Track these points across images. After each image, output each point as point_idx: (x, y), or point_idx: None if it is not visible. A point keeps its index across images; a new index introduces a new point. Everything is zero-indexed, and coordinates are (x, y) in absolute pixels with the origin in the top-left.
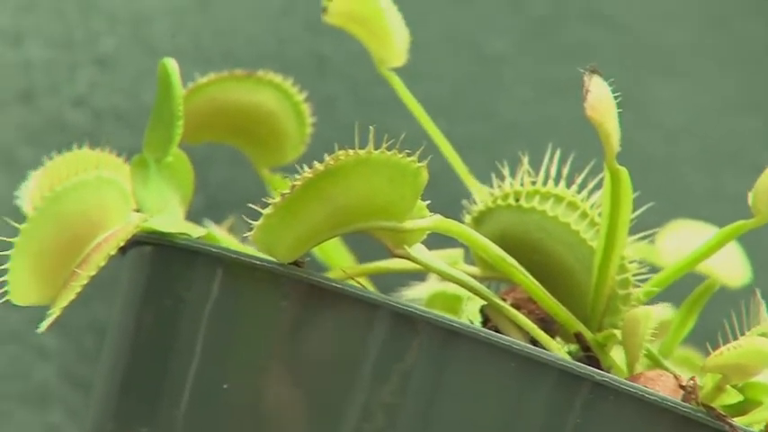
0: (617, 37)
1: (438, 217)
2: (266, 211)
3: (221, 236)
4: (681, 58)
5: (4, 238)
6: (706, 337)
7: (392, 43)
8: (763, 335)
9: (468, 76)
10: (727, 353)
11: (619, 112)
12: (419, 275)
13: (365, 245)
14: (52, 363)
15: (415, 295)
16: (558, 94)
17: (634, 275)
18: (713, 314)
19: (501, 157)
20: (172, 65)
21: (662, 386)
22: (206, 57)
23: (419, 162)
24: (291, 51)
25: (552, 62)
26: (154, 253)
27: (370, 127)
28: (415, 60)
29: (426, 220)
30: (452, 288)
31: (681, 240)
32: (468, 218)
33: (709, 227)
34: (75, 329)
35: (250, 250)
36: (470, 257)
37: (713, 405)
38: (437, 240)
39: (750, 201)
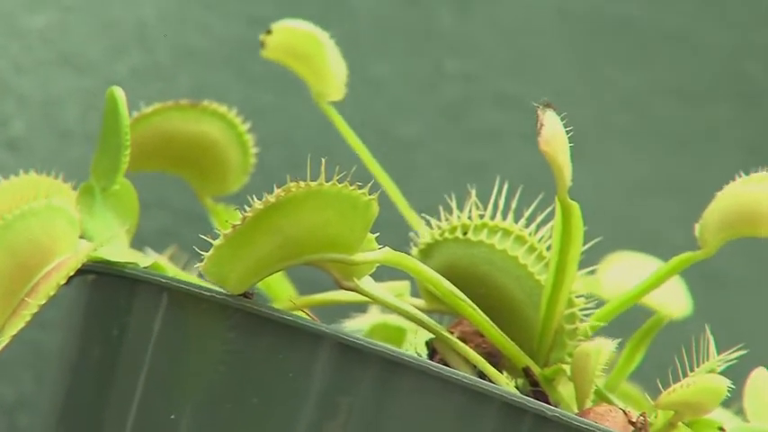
0: (528, 119)
1: (387, 250)
2: (216, 242)
3: (167, 266)
4: (590, 139)
5: None
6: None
7: (331, 77)
8: (711, 371)
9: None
10: (680, 390)
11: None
12: (360, 306)
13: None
14: None
15: (356, 326)
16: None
17: (581, 310)
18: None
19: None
20: (119, 93)
21: (612, 422)
22: None
23: (369, 195)
24: None
25: (463, 145)
26: (99, 282)
27: (322, 159)
28: (328, 144)
29: (375, 252)
30: (394, 320)
31: (622, 272)
32: (414, 250)
33: (650, 259)
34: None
35: (196, 280)
36: (416, 290)
37: None
38: (383, 272)
39: (697, 232)
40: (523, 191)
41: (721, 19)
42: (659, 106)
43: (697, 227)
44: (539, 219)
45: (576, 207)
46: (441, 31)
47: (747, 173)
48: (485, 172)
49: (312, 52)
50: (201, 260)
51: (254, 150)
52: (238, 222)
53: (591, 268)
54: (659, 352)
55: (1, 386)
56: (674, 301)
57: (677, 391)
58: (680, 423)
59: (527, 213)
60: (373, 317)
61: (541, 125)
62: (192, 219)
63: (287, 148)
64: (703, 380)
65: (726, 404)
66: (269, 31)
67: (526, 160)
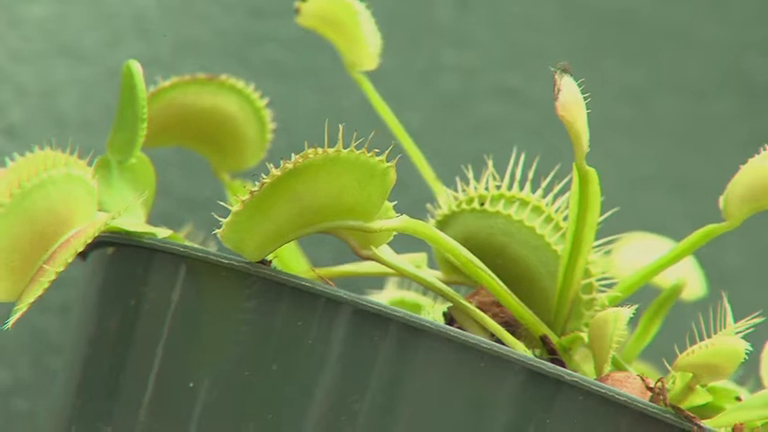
0: (527, 112)
1: (405, 217)
2: (234, 209)
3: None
4: (591, 133)
5: None
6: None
7: (365, 47)
8: None
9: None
10: (699, 351)
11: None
12: (376, 283)
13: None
14: None
15: None
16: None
17: (597, 280)
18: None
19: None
20: (136, 67)
21: (630, 387)
22: None
23: (387, 162)
24: None
25: (463, 137)
26: (116, 254)
27: (340, 126)
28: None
29: (393, 220)
30: (411, 296)
31: (636, 252)
32: (432, 221)
33: (663, 239)
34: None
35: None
36: (432, 263)
37: (681, 406)
38: (400, 246)
39: (721, 205)
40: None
41: (724, 14)
42: (661, 101)
43: (721, 199)
44: (555, 189)
45: (593, 173)
46: (440, 24)
47: None
48: (482, 164)
49: (346, 20)
50: (219, 226)
51: (271, 126)
52: (256, 189)
53: (604, 239)
54: (663, 340)
55: None
56: (689, 279)
57: (696, 353)
58: (698, 386)
59: (544, 184)
60: (390, 293)
61: (558, 90)
62: (194, 205)
63: (288, 138)
64: (722, 341)
65: (741, 382)
66: None
67: (526, 152)
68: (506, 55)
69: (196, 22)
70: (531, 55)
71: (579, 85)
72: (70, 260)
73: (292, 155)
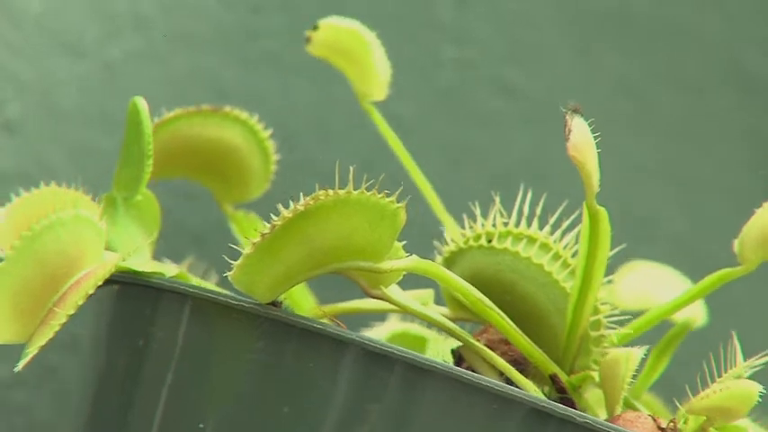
0: (523, 106)
1: (415, 258)
2: (245, 252)
3: (191, 276)
4: (592, 125)
5: None
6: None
7: (375, 77)
8: (738, 377)
9: (376, 143)
10: (713, 395)
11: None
12: (379, 315)
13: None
14: None
15: (375, 335)
16: (466, 160)
17: (605, 317)
18: None
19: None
20: (142, 103)
21: (641, 428)
22: (111, 122)
23: (398, 203)
24: None
25: (459, 129)
26: (124, 293)
27: (350, 167)
28: (325, 127)
29: (403, 260)
30: (415, 328)
31: (638, 282)
32: (439, 258)
33: (665, 268)
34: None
35: (221, 289)
36: (440, 298)
37: None
38: (407, 279)
39: (736, 249)
40: (522, 179)
41: (722, 8)
42: (658, 94)
43: (736, 243)
44: (564, 225)
45: (603, 213)
46: (439, 20)
47: (746, 161)
48: (479, 158)
49: (358, 51)
50: (230, 269)
51: (275, 157)
52: (267, 231)
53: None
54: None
55: None
56: (692, 310)
57: (710, 397)
58: (711, 429)
59: (552, 220)
60: (393, 325)
61: (570, 131)
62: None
63: (284, 132)
64: (735, 385)
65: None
66: (315, 27)
67: (523, 146)
68: (505, 49)
69: (194, 16)
70: (531, 50)
71: (577, 78)
72: (81, 302)
73: (301, 196)
